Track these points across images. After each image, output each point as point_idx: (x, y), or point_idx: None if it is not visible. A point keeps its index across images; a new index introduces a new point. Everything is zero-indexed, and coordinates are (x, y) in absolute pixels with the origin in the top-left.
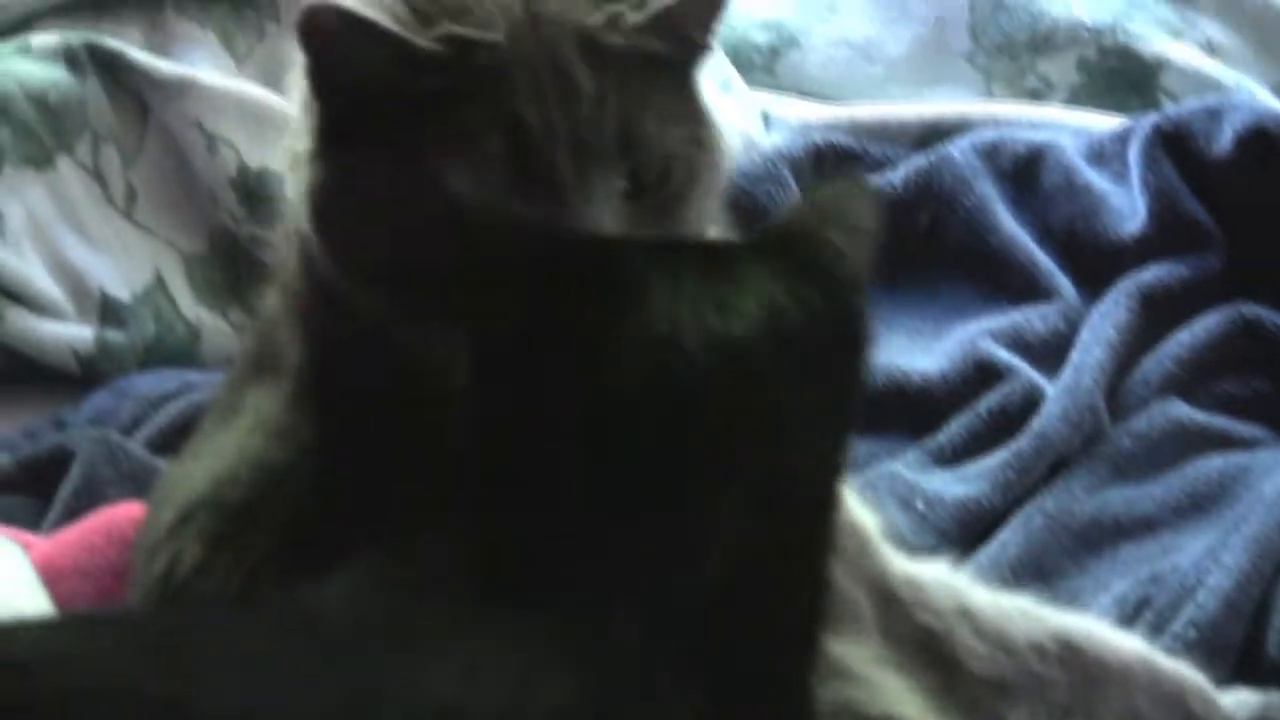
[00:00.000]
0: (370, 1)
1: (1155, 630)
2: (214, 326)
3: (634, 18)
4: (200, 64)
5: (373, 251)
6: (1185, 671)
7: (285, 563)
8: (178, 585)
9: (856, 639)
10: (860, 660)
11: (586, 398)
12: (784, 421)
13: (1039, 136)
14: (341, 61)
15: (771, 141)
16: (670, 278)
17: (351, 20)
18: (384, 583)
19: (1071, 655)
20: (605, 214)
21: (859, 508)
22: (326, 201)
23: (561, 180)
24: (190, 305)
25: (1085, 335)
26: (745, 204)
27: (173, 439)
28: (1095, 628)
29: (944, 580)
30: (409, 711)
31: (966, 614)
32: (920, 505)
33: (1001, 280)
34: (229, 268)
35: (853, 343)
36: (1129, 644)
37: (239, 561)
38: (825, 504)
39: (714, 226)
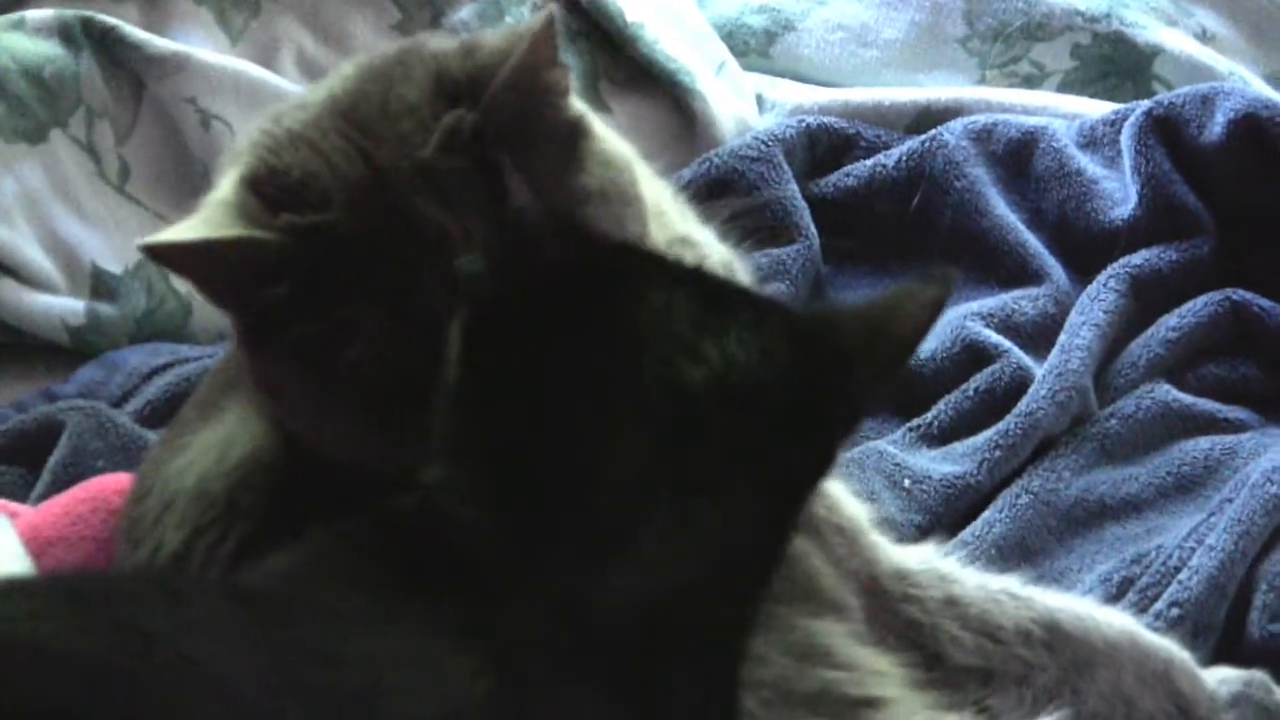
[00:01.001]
0: (234, 196)
1: (1139, 610)
2: (205, 301)
3: (466, 127)
4: (195, 41)
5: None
6: (1172, 648)
7: (261, 552)
8: None
9: (840, 623)
10: (842, 641)
11: (559, 391)
12: (733, 461)
13: (1032, 122)
14: (203, 283)
15: (765, 124)
16: (676, 292)
17: (178, 249)
18: (319, 567)
19: (1059, 639)
20: None
21: (849, 500)
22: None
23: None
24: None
25: (1074, 318)
26: (738, 186)
27: (162, 412)
28: (1083, 607)
29: (932, 568)
30: (330, 685)
31: (953, 604)
32: (907, 483)
33: (992, 263)
34: None
35: (820, 425)
36: (1116, 621)
37: (216, 548)
38: (761, 549)
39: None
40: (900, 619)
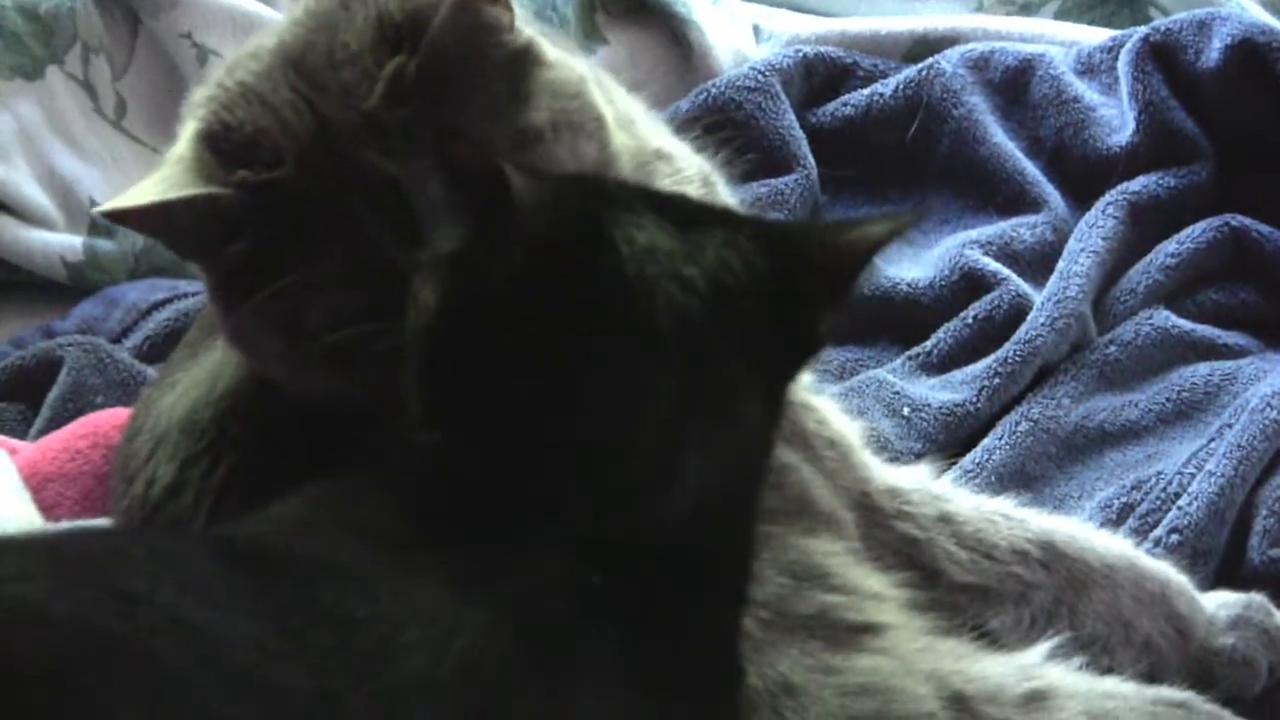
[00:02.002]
0: (190, 153)
1: (1139, 535)
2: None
3: (410, 74)
4: None
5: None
6: (1169, 571)
7: (250, 476)
8: (151, 508)
9: (836, 540)
10: (840, 562)
11: (557, 328)
12: (737, 373)
13: (1029, 49)
14: (168, 241)
15: (762, 54)
16: (652, 217)
17: (136, 213)
18: (323, 521)
19: (1054, 559)
20: None
21: (840, 418)
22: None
23: (407, 270)
24: None
25: (1073, 245)
26: (735, 116)
27: (161, 347)
28: (1079, 529)
29: (925, 487)
30: (335, 646)
31: (948, 521)
32: (906, 411)
33: (990, 191)
34: None
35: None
36: (1113, 544)
37: (207, 477)
38: (750, 471)
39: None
40: (895, 535)
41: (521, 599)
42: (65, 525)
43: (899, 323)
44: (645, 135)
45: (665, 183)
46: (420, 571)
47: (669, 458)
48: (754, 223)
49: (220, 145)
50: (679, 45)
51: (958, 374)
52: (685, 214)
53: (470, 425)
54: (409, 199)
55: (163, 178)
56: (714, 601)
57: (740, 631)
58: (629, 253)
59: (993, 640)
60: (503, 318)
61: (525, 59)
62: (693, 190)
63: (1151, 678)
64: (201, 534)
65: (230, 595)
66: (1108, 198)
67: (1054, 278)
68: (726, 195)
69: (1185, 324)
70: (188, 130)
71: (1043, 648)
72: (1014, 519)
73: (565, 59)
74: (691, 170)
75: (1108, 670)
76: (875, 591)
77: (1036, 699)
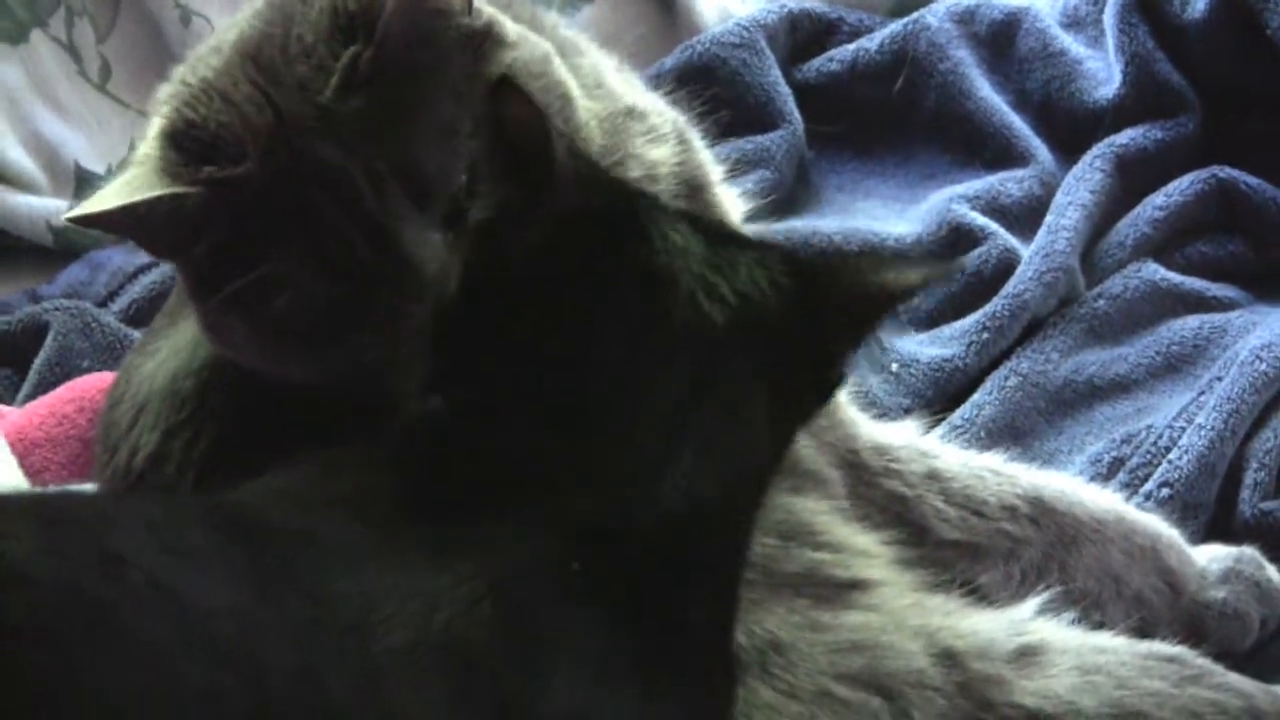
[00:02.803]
0: (155, 151)
1: (1129, 490)
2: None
3: (363, 67)
4: None
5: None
6: (1159, 525)
7: (233, 449)
8: (135, 476)
9: (824, 498)
10: (827, 520)
11: (574, 305)
12: (724, 387)
13: (1015, 2)
14: (139, 241)
15: (746, 10)
16: (687, 225)
17: (103, 218)
18: (309, 493)
19: (1043, 514)
20: (432, 260)
21: None
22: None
23: (375, 260)
24: None
25: (1060, 199)
26: (720, 73)
27: (147, 311)
28: (1068, 484)
29: (913, 444)
30: (315, 619)
31: (935, 478)
32: (894, 367)
33: (977, 145)
34: None
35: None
36: (1102, 499)
37: (190, 448)
38: (752, 483)
39: None
40: (882, 492)
41: (507, 577)
42: (52, 489)
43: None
44: (615, 94)
45: (638, 140)
46: (404, 547)
47: (665, 449)
48: (785, 251)
49: (184, 144)
50: (663, 2)
51: (946, 329)
52: (720, 232)
53: (472, 393)
54: (363, 192)
55: (129, 179)
56: (705, 598)
57: (733, 631)
58: (661, 247)
59: (982, 597)
60: (521, 287)
61: (486, 40)
62: (668, 147)
63: (1142, 632)
64: (188, 498)
65: (214, 561)
66: (1095, 151)
67: (1041, 232)
68: (704, 151)
69: (1174, 276)
70: (153, 128)
71: (1033, 603)
72: (1002, 475)
73: (527, 36)
74: (666, 127)
75: (1099, 625)
76: (863, 548)
77: (1027, 654)
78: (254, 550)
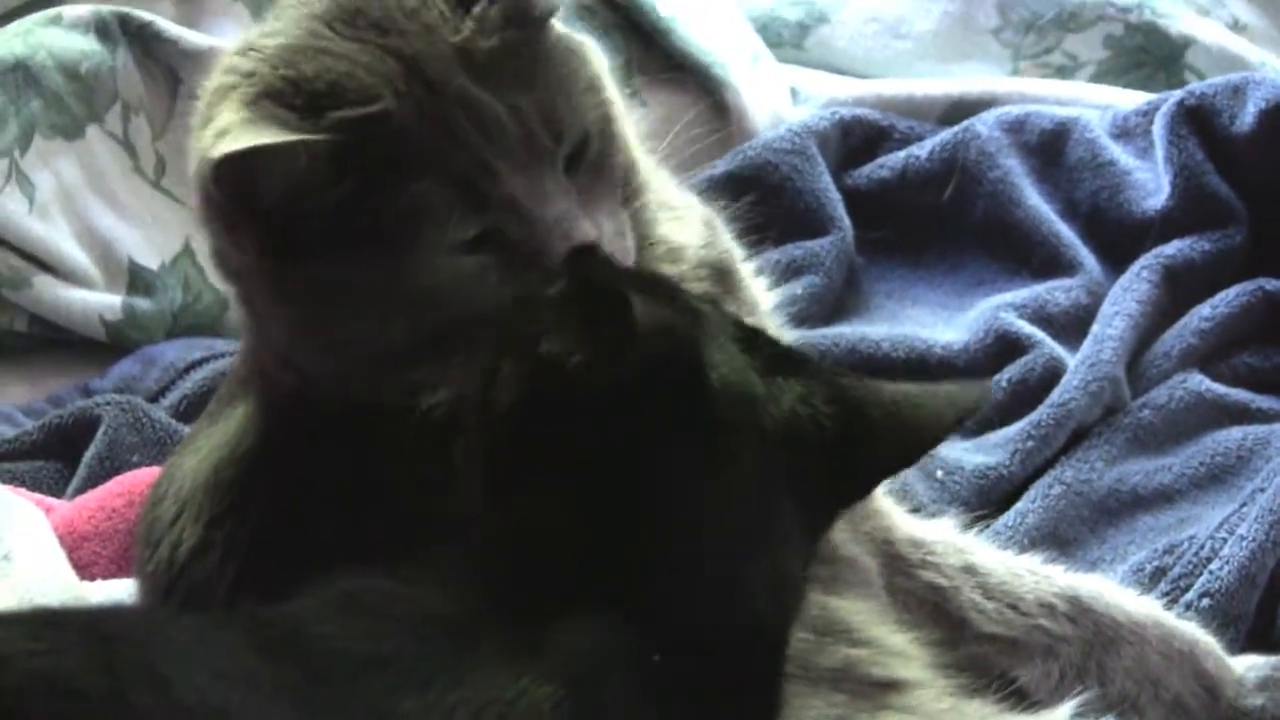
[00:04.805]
0: (257, 113)
1: (1170, 599)
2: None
3: (494, 14)
4: (230, 35)
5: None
6: (1196, 631)
7: (277, 537)
8: (178, 570)
9: (861, 596)
10: (864, 620)
11: (640, 440)
12: (770, 512)
13: (1064, 112)
14: (266, 193)
15: (799, 116)
16: (743, 358)
17: (259, 154)
18: (366, 603)
19: (1082, 613)
20: (560, 205)
21: None
22: (289, 315)
23: (516, 201)
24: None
25: (1107, 308)
26: (772, 178)
27: (198, 406)
28: (1105, 586)
29: (949, 539)
30: None
31: (972, 572)
32: (940, 474)
33: (1025, 254)
34: None
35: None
36: (1140, 603)
37: (233, 538)
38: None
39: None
40: (920, 583)
41: (582, 679)
42: (99, 584)
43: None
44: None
45: (664, 224)
46: (478, 655)
47: (732, 568)
48: (830, 381)
49: (292, 101)
50: (716, 107)
51: (992, 436)
52: (770, 358)
53: (530, 513)
54: (507, 124)
55: (235, 139)
56: (757, 702)
57: None
58: (720, 390)
59: (1021, 695)
60: (590, 420)
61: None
62: (693, 230)
63: None
64: (239, 615)
65: (267, 684)
66: (1142, 261)
67: (1088, 341)
68: (730, 238)
69: (1219, 388)
70: (232, 100)
71: (1070, 705)
72: (1039, 574)
73: None
74: (692, 213)
75: None
76: (900, 649)
77: None
78: (311, 673)
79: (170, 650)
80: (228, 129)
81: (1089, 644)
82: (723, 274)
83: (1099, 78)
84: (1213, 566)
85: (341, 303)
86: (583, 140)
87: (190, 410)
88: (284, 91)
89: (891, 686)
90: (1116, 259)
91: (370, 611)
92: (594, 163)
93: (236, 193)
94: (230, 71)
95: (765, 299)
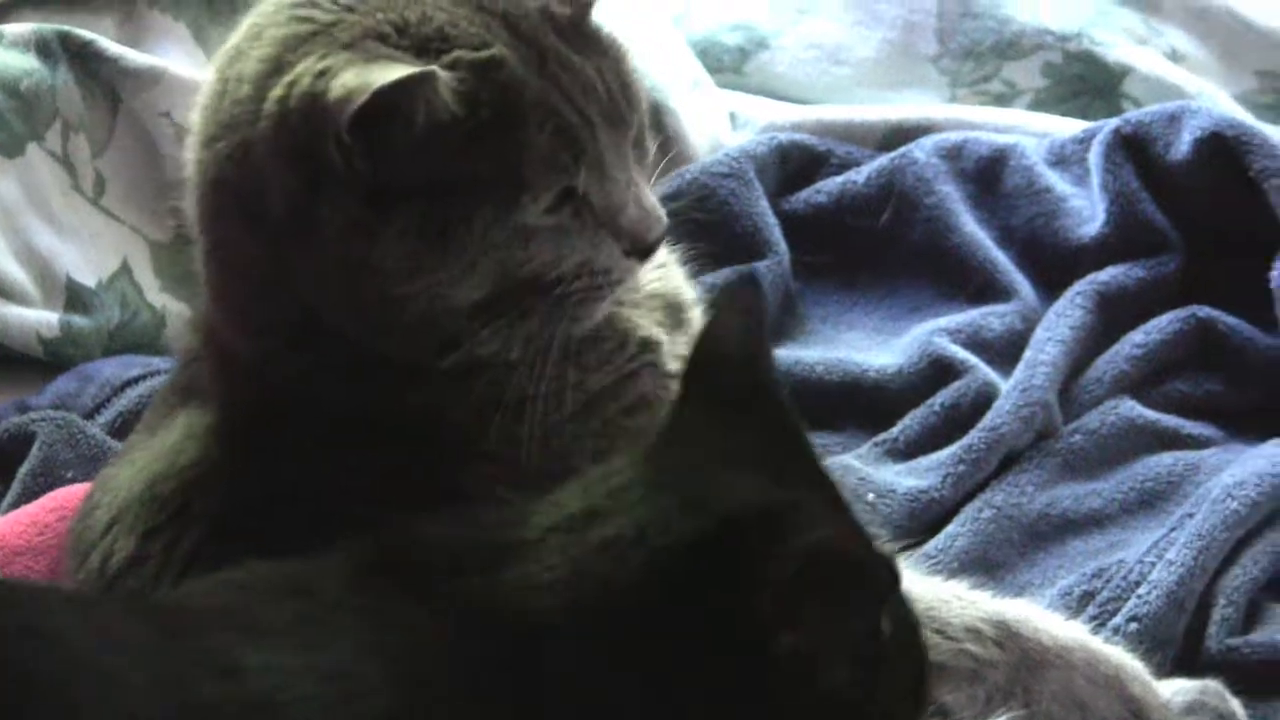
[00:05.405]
0: (368, 52)
1: (1097, 623)
2: (179, 313)
3: None
4: (172, 55)
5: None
6: (1123, 655)
7: (216, 554)
8: (108, 581)
9: None
10: None
11: None
12: None
13: (1002, 139)
14: (399, 131)
15: (738, 141)
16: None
17: (404, 86)
18: (263, 581)
19: (1008, 638)
20: (633, 173)
21: None
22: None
23: (603, 162)
24: (156, 292)
25: (1040, 334)
26: (709, 203)
27: (133, 423)
28: (1031, 610)
29: None
30: (221, 697)
31: None
32: (871, 497)
33: (961, 279)
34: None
35: None
36: (1067, 627)
37: (171, 550)
38: None
39: None
40: None
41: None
42: None
43: (866, 409)
44: None
45: None
46: (335, 630)
47: None
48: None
49: (400, 43)
50: (655, 131)
51: (923, 460)
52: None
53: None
54: (597, 85)
55: (362, 75)
56: None
57: None
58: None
59: (946, 716)
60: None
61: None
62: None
63: None
64: (124, 594)
65: (139, 642)
66: (1076, 287)
67: (1021, 366)
68: (680, 271)
69: (1150, 413)
70: (319, 43)
71: None
72: (966, 599)
73: None
74: None
75: None
76: None
77: None
78: (176, 633)
79: (58, 613)
80: (335, 69)
81: (1015, 668)
82: (673, 308)
83: (1037, 105)
84: (1141, 591)
85: (436, 251)
86: (643, 116)
87: (125, 427)
88: (389, 35)
89: None
90: (1052, 285)
91: (256, 587)
92: (643, 142)
93: (375, 132)
94: (301, 21)
95: None
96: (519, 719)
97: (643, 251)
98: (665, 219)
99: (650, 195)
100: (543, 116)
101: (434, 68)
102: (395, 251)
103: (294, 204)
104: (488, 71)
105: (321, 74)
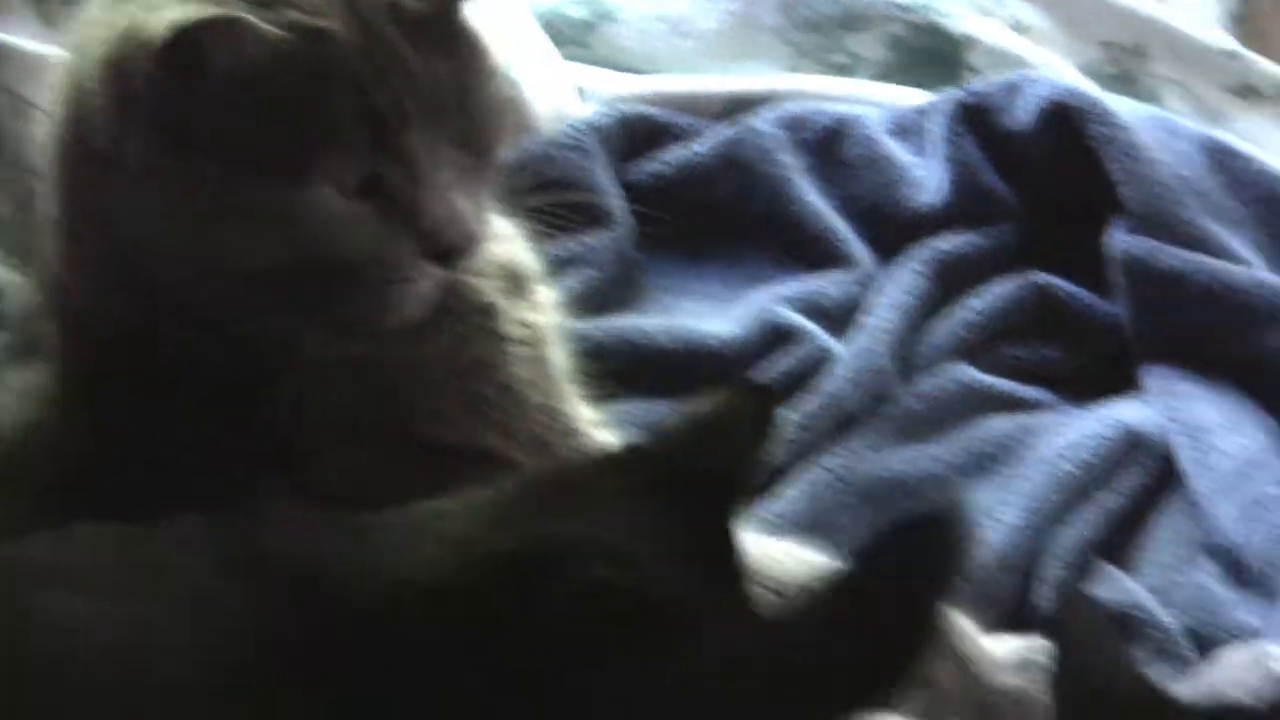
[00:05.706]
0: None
1: None
2: (19, 286)
3: None
4: (12, 29)
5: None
6: (953, 612)
7: (49, 522)
8: None
9: None
10: None
11: None
12: None
13: (843, 109)
14: (212, 75)
15: (582, 112)
16: None
17: (227, 24)
18: (79, 535)
19: None
20: (450, 176)
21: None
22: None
23: (414, 158)
24: None
25: (876, 299)
26: (550, 173)
27: None
28: None
29: None
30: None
31: None
32: None
33: (801, 248)
34: (35, 230)
35: None
36: None
37: (2, 519)
38: None
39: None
40: None
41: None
42: None
43: (706, 376)
44: None
45: None
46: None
47: None
48: None
49: None
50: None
51: None
52: None
53: None
54: (421, 80)
55: (178, 9)
56: None
57: None
58: None
59: None
60: None
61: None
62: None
63: (931, 715)
64: None
65: None
66: (913, 253)
67: (857, 331)
68: (525, 245)
69: (986, 378)
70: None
71: None
72: (798, 557)
73: None
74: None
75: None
76: None
77: None
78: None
79: None
80: (161, 4)
81: None
82: (514, 277)
83: (882, 76)
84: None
85: (222, 211)
86: (481, 123)
87: None
88: None
89: None
90: (893, 254)
91: (61, 540)
92: (481, 147)
93: (177, 70)
94: None
95: (553, 304)
96: (324, 694)
97: (439, 256)
98: (476, 231)
99: (467, 203)
100: (355, 100)
101: (245, 16)
102: (185, 203)
103: (111, 136)
104: (312, 41)
105: (150, 8)
